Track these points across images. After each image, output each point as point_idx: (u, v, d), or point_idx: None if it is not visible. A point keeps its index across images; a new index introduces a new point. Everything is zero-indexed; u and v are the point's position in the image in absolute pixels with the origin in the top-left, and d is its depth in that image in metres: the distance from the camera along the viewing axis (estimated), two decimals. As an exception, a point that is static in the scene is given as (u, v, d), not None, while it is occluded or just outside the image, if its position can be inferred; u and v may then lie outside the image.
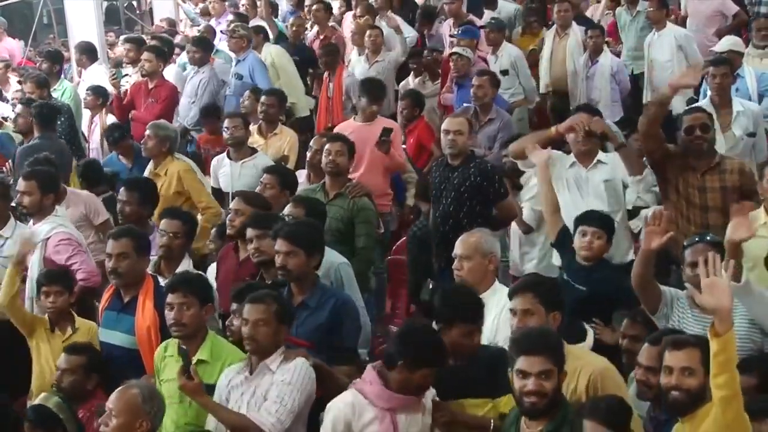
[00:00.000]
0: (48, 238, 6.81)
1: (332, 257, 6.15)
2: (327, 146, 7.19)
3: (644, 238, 5.13)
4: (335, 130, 8.42)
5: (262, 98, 9.11)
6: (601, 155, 6.77)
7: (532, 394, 4.25)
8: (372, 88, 8.57)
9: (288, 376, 4.88)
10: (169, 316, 5.30)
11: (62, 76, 11.25)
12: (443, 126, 7.29)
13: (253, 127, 9.03)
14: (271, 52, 11.17)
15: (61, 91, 10.60)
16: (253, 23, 12.14)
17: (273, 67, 10.93)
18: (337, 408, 4.69)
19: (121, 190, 7.18)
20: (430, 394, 4.75)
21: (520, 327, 4.68)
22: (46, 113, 9.11)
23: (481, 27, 10.90)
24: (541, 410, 4.28)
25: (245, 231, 6.16)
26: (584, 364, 4.67)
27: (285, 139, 9.02)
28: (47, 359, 6.14)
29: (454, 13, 11.56)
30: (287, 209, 6.52)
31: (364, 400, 4.66)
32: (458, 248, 5.70)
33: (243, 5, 13.68)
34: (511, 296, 4.89)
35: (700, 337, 4.39)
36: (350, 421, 4.65)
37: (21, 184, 7.04)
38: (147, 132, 8.28)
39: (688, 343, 4.35)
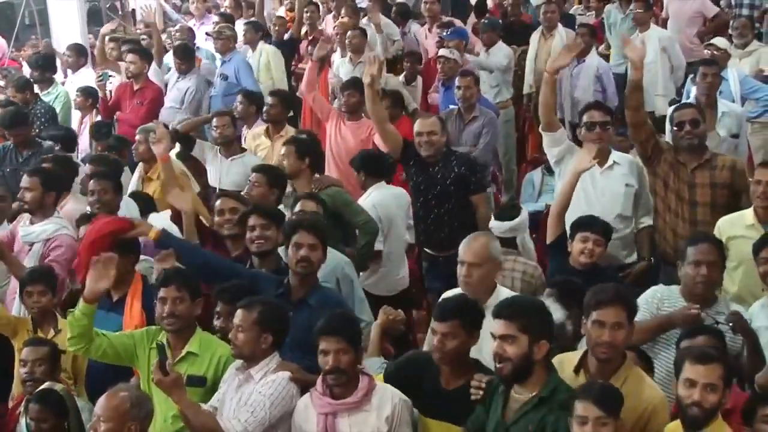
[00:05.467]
0: (49, 239, 6.85)
1: (337, 255, 6.23)
2: (283, 150, 7.23)
3: None
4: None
5: (267, 99, 9.04)
6: (615, 155, 6.79)
7: (495, 356, 4.37)
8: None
9: (266, 389, 4.89)
10: (163, 309, 5.30)
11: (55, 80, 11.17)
12: (415, 128, 7.27)
13: (260, 129, 9.00)
14: (268, 51, 11.21)
15: (54, 95, 10.59)
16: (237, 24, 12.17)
17: (267, 66, 10.95)
18: (295, 409, 4.88)
19: (24, 177, 7.18)
20: (389, 392, 4.79)
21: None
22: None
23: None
24: (507, 376, 4.37)
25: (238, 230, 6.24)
26: (649, 396, 4.56)
27: None
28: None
29: (434, 14, 11.60)
30: (300, 205, 6.51)
31: (311, 403, 4.81)
32: (466, 255, 5.41)
33: (225, 7, 13.70)
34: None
35: (723, 353, 4.43)
36: (299, 424, 4.84)
37: (25, 180, 7.10)
38: (138, 137, 8.26)
39: (713, 358, 4.28)
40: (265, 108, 8.96)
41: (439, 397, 4.79)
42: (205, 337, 5.41)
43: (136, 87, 10.23)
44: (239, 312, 5.04)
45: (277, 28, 12.35)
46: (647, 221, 6.81)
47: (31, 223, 7.03)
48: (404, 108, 9.63)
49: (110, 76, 11.10)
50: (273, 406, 4.84)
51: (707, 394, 4.20)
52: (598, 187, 6.66)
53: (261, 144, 8.82)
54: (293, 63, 11.93)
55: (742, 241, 5.86)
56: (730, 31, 10.73)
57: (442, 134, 7.30)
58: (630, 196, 6.72)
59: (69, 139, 9.29)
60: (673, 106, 7.58)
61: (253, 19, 12.81)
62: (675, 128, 6.63)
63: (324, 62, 10.68)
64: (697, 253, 5.27)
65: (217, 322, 5.49)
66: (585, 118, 6.76)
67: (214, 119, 8.58)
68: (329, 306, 5.42)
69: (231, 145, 8.43)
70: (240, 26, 12.05)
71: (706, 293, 5.30)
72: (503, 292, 5.35)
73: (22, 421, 5.58)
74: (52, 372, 5.71)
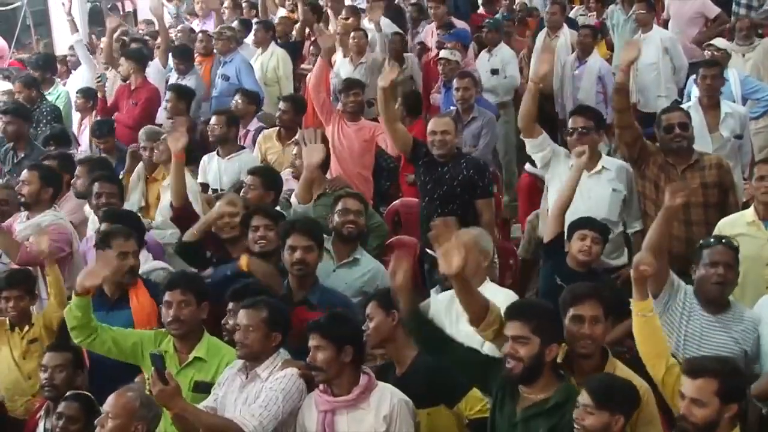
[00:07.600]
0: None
1: (377, 264, 6.30)
2: (294, 150, 7.18)
3: None
4: None
5: (280, 104, 9.02)
6: (604, 160, 6.77)
7: (506, 356, 4.43)
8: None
9: (277, 384, 4.89)
10: (168, 313, 5.27)
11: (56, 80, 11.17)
12: (429, 127, 7.29)
13: (272, 132, 8.99)
14: (279, 55, 11.20)
15: (55, 96, 10.60)
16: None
17: (276, 68, 10.99)
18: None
19: (24, 171, 7.22)
20: (382, 391, 4.80)
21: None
22: None
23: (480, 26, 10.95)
24: (519, 376, 4.45)
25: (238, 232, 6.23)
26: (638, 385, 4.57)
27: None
28: (8, 358, 6.13)
29: (440, 17, 11.60)
30: (342, 203, 6.45)
31: (314, 401, 4.84)
32: None
33: (224, 8, 13.70)
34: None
35: (722, 365, 4.26)
36: (301, 421, 4.87)
37: (24, 174, 7.14)
38: (145, 144, 8.11)
39: (705, 371, 4.16)
40: (277, 113, 8.96)
41: None
42: (213, 343, 5.38)
43: (132, 87, 10.21)
44: (245, 312, 5.00)
45: (280, 27, 12.32)
46: (638, 226, 6.79)
47: (28, 218, 7.03)
48: (420, 111, 9.63)
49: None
50: (285, 400, 4.84)
51: (693, 408, 4.12)
52: (584, 190, 6.56)
53: (272, 147, 8.79)
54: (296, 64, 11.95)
55: (743, 238, 5.81)
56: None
57: (456, 135, 7.33)
58: (617, 201, 6.68)
59: (61, 137, 9.24)
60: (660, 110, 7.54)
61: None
62: (663, 132, 6.64)
63: (330, 59, 10.69)
64: (713, 254, 5.26)
65: (231, 321, 5.37)
66: (569, 124, 6.78)
67: (212, 118, 8.53)
68: (334, 305, 5.44)
69: (227, 144, 8.39)
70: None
71: (721, 295, 5.28)
72: (490, 287, 5.45)
73: (41, 425, 5.55)
74: (73, 379, 5.62)
